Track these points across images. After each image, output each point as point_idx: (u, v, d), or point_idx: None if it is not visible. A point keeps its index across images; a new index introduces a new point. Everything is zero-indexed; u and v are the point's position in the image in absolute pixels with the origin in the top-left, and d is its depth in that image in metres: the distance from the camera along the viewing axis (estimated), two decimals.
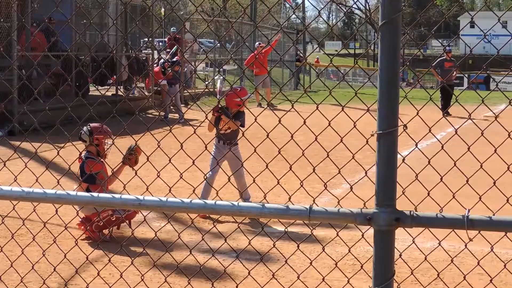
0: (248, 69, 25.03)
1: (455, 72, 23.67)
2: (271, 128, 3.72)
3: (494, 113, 3.36)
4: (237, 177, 8.70)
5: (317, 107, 3.35)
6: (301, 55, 37.18)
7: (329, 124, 3.34)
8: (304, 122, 3.28)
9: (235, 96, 8.69)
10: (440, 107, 20.25)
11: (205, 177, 3.97)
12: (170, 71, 19.94)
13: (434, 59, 25.30)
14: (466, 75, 51.47)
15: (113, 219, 7.68)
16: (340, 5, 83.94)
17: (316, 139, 3.39)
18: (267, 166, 3.56)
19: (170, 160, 3.72)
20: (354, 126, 3.21)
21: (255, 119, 3.48)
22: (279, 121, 3.41)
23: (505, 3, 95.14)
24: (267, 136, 3.48)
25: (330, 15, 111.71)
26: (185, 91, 24.67)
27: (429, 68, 25.60)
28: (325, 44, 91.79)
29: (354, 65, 40.27)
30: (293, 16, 69.50)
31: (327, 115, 3.35)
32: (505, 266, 4.03)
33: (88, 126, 7.89)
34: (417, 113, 3.19)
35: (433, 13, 73.62)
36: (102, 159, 7.87)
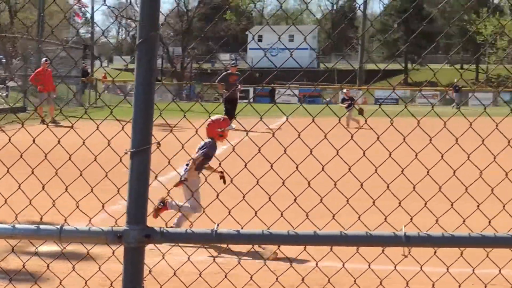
0: (32, 85, 24.25)
1: (239, 86, 24.34)
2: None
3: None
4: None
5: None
6: (88, 70, 36.69)
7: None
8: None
9: (218, 126, 8.12)
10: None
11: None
12: None
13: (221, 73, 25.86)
14: (252, 88, 52.98)
15: None
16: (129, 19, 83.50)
17: (69, 158, 3.38)
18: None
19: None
20: (108, 144, 3.24)
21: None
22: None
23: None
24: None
25: (120, 29, 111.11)
26: None
27: (214, 82, 26.13)
28: (113, 59, 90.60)
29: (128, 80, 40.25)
30: (83, 31, 68.43)
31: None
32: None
33: None
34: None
35: (222, 28, 75.07)
36: None
